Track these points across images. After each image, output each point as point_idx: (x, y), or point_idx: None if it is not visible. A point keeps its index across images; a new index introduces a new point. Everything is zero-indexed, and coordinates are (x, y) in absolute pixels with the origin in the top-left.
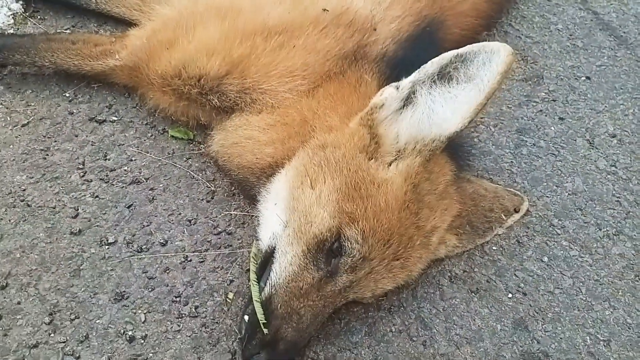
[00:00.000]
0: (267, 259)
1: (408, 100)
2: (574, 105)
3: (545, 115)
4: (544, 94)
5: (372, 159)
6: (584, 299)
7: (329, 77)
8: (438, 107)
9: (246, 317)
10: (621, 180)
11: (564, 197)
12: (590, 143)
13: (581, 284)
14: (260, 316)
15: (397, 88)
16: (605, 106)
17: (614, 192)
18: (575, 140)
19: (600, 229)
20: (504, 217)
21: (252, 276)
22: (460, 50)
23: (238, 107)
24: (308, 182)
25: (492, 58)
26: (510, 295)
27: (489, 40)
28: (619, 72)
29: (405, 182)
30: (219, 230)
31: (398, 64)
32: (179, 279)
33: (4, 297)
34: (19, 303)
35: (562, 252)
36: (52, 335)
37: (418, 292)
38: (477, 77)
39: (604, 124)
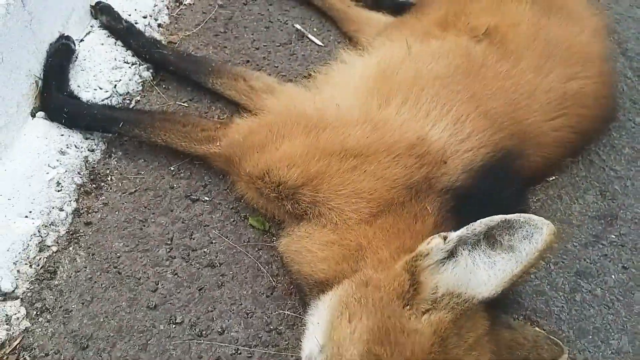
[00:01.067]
0: None
1: (452, 253)
2: None
3: (609, 261)
4: (613, 236)
5: (407, 305)
6: None
7: (390, 207)
8: (477, 269)
9: None
10: None
11: (606, 354)
12: None
13: None
14: None
15: (445, 239)
16: None
17: None
18: (633, 294)
19: None
20: None
21: None
22: (509, 217)
23: (307, 217)
24: (347, 315)
25: (534, 233)
26: None
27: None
28: None
29: (434, 335)
30: (271, 327)
31: (467, 194)
32: None
33: (83, 358)
34: None
35: None
36: None
37: None
38: (517, 249)
39: None
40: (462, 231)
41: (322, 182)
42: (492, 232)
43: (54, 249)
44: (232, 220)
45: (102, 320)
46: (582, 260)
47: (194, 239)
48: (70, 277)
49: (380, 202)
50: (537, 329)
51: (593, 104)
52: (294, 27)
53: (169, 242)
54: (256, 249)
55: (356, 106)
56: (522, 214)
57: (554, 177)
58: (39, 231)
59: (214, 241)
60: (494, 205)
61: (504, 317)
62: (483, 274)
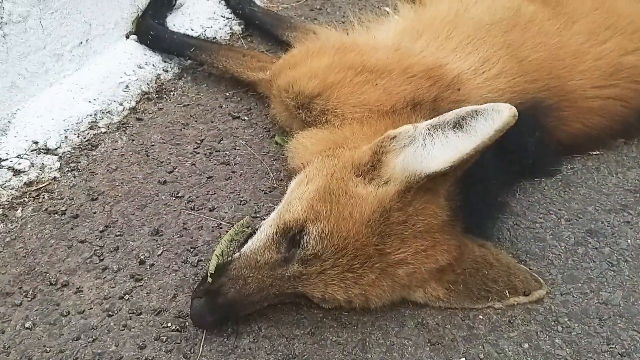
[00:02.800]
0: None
1: (416, 138)
2: None
3: (630, 228)
4: None
5: (360, 176)
6: None
7: (386, 114)
8: (433, 148)
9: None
10: None
11: (591, 302)
12: None
13: None
14: (212, 267)
15: (415, 128)
16: None
17: None
18: None
19: (608, 344)
20: (507, 293)
21: (227, 236)
22: (478, 107)
23: (316, 124)
24: (305, 180)
25: (494, 116)
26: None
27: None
28: None
29: (378, 204)
30: (258, 215)
31: None
32: (203, 237)
33: (89, 207)
34: (94, 213)
35: (548, 347)
36: (98, 241)
37: (379, 321)
38: (474, 129)
39: None
40: (433, 120)
41: (334, 92)
42: (461, 122)
43: (103, 130)
44: (260, 136)
45: (117, 184)
46: (599, 222)
47: (221, 144)
48: (107, 152)
49: (381, 113)
50: (518, 262)
51: None
52: (385, 10)
53: (198, 142)
54: (272, 159)
55: (390, 38)
56: (493, 104)
57: (598, 152)
58: (95, 114)
59: (237, 148)
60: (513, 145)
61: (480, 240)
62: (437, 151)
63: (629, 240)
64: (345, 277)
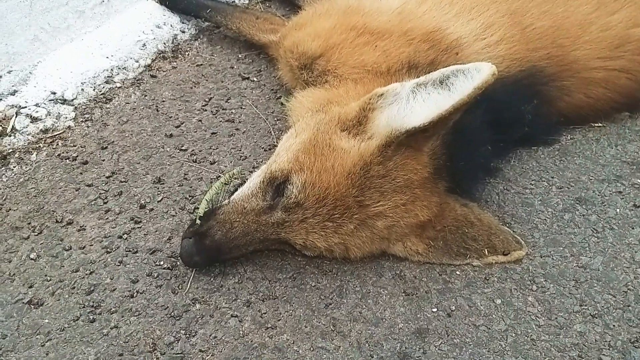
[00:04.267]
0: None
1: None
2: None
3: (621, 198)
4: (639, 180)
5: (345, 130)
6: (504, 347)
7: (382, 74)
8: (415, 104)
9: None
10: None
11: (570, 266)
12: None
13: (513, 334)
14: (202, 211)
15: (402, 86)
16: None
17: (630, 284)
18: (632, 229)
19: (581, 305)
20: (486, 252)
21: (217, 183)
22: (462, 66)
23: (316, 84)
24: (294, 134)
25: (474, 74)
26: (434, 310)
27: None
28: None
29: (359, 157)
30: (254, 169)
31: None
32: (202, 187)
33: (99, 154)
34: (103, 160)
35: (520, 304)
36: (104, 185)
37: (358, 270)
38: (455, 87)
39: None
40: (420, 79)
41: (335, 53)
42: (445, 80)
43: (118, 85)
44: (267, 97)
45: (126, 135)
46: (590, 191)
47: (228, 102)
48: (120, 105)
49: (377, 73)
50: (502, 224)
51: None
52: None
53: (207, 100)
54: (276, 119)
55: (397, 2)
56: (475, 63)
57: (600, 124)
58: (111, 69)
59: (243, 107)
60: (508, 111)
61: (464, 200)
62: (418, 108)
63: (618, 210)
64: (325, 225)
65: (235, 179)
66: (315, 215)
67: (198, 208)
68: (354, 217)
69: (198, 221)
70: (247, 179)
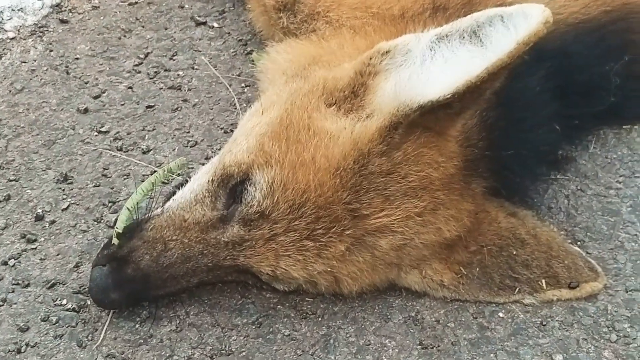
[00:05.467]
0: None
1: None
2: None
3: None
4: None
5: (333, 105)
6: None
7: (389, 22)
8: (434, 68)
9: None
10: None
11: None
12: None
13: None
14: (121, 224)
15: (418, 39)
16: None
17: None
18: None
19: None
20: (543, 283)
21: (146, 184)
22: (505, 10)
23: (298, 34)
24: (260, 109)
25: (519, 22)
26: None
27: None
28: None
29: (352, 145)
30: (207, 161)
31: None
32: (129, 188)
33: None
34: None
35: None
36: None
37: (354, 312)
38: (490, 40)
39: None
40: (444, 28)
41: None
42: (477, 31)
43: (11, 35)
44: (232, 51)
45: (20, 110)
46: None
47: (174, 60)
48: (12, 65)
49: (388, 19)
50: (569, 242)
51: None
52: None
53: (142, 57)
54: (242, 84)
55: None
56: (522, 5)
57: None
58: (1, 11)
59: (196, 67)
60: (585, 73)
61: (512, 207)
62: (438, 72)
63: None
64: (304, 246)
65: (173, 176)
66: (288, 231)
67: (117, 221)
68: (346, 233)
69: (115, 240)
70: (191, 177)
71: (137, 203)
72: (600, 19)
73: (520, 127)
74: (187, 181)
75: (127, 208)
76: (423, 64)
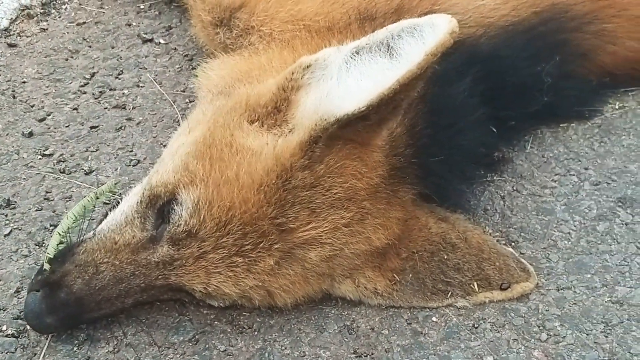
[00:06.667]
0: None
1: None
2: None
3: None
4: None
5: (255, 121)
6: None
7: (323, 33)
8: (350, 81)
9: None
10: None
11: (599, 301)
12: None
13: None
14: (52, 249)
15: (339, 51)
16: None
17: None
18: None
19: None
20: (475, 286)
21: (77, 207)
22: (417, 21)
23: (235, 49)
24: (187, 129)
25: (426, 33)
26: None
27: None
28: None
29: (274, 161)
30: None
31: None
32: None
33: None
34: None
35: None
36: None
37: (290, 324)
38: (401, 52)
39: None
40: (362, 40)
41: (259, 1)
42: (391, 43)
43: None
44: (177, 67)
45: None
46: (635, 186)
47: (119, 79)
48: None
49: (313, 31)
50: (502, 244)
51: None
52: None
53: (88, 77)
54: (187, 100)
55: None
56: (431, 16)
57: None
58: None
59: (141, 84)
60: (515, 75)
61: (443, 212)
62: (353, 85)
63: None
64: (233, 262)
65: (106, 197)
66: (217, 248)
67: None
68: (274, 247)
69: (47, 265)
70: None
71: (69, 227)
72: (530, 20)
73: (449, 133)
74: (119, 203)
75: (58, 232)
76: (340, 78)
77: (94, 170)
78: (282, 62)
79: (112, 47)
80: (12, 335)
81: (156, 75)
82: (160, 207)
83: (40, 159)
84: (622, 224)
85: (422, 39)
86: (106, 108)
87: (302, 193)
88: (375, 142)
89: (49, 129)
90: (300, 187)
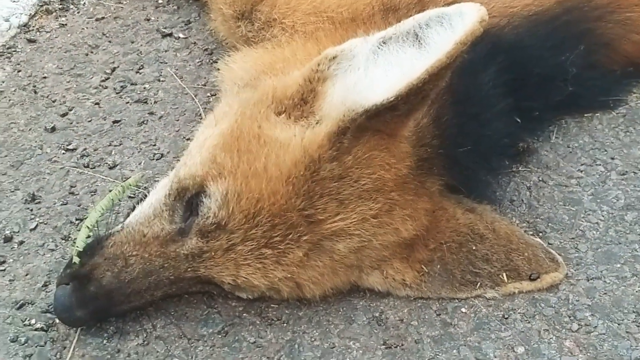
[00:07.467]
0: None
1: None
2: None
3: None
4: None
5: (282, 113)
6: None
7: (348, 26)
8: (377, 72)
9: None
10: None
11: (629, 291)
12: None
13: None
14: (81, 242)
15: (365, 42)
16: None
17: None
18: None
19: None
20: (504, 277)
21: (105, 201)
22: (441, 11)
23: (257, 42)
24: (213, 121)
25: (455, 22)
26: None
27: None
28: None
29: (301, 152)
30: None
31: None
32: (94, 203)
33: None
34: None
35: (553, 353)
36: None
37: (319, 316)
38: (429, 41)
39: None
40: (388, 31)
41: None
42: (419, 32)
43: None
44: (197, 61)
45: None
46: None
47: (140, 73)
48: None
49: (337, 23)
50: (530, 234)
51: None
52: None
53: (108, 72)
54: (208, 94)
55: None
56: (460, 5)
57: None
58: None
59: (162, 79)
60: (539, 66)
61: (470, 202)
62: (381, 75)
63: None
64: (262, 254)
65: (138, 190)
66: (245, 240)
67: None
68: (303, 239)
69: (76, 259)
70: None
71: (97, 220)
72: (553, 9)
73: (474, 123)
74: (146, 196)
75: (87, 226)
76: (367, 68)
77: (117, 165)
78: (307, 54)
79: (132, 42)
80: (42, 329)
81: (177, 70)
82: (188, 199)
83: (63, 153)
84: None
85: (451, 27)
86: (128, 102)
87: (331, 184)
88: (403, 133)
89: (71, 123)
90: (329, 178)
